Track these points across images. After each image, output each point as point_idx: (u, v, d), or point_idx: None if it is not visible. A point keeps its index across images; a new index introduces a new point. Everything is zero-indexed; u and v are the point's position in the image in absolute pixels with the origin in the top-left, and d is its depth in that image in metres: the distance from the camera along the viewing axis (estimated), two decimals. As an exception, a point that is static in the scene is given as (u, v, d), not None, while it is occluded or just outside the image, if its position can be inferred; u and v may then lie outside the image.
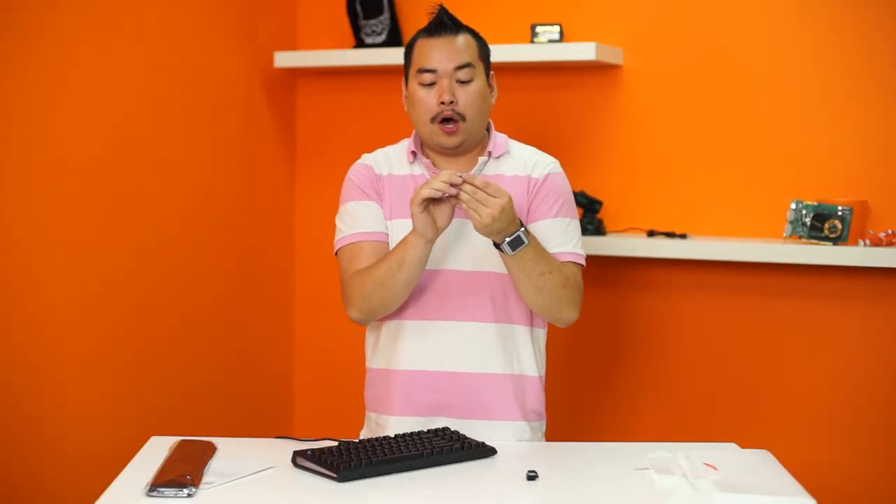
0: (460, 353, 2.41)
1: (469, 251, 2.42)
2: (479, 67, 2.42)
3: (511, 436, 2.42)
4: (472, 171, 2.42)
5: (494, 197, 2.20)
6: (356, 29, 3.54)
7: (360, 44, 3.54)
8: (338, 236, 2.47)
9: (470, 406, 2.41)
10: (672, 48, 3.27)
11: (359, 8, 3.51)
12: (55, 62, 2.85)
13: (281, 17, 3.70)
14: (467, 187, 2.21)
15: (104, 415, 3.01)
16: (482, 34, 2.48)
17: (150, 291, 3.16)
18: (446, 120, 2.38)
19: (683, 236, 3.20)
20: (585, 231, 3.25)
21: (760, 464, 2.13)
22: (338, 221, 2.49)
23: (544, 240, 2.38)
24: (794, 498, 1.93)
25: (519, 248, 2.26)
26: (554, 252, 2.38)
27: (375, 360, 2.50)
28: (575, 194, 3.26)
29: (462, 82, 2.38)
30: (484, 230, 2.23)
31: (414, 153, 2.46)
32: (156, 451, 2.19)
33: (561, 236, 2.42)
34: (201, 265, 3.37)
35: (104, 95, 3.00)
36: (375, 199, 2.46)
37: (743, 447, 2.27)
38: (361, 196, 2.46)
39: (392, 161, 2.49)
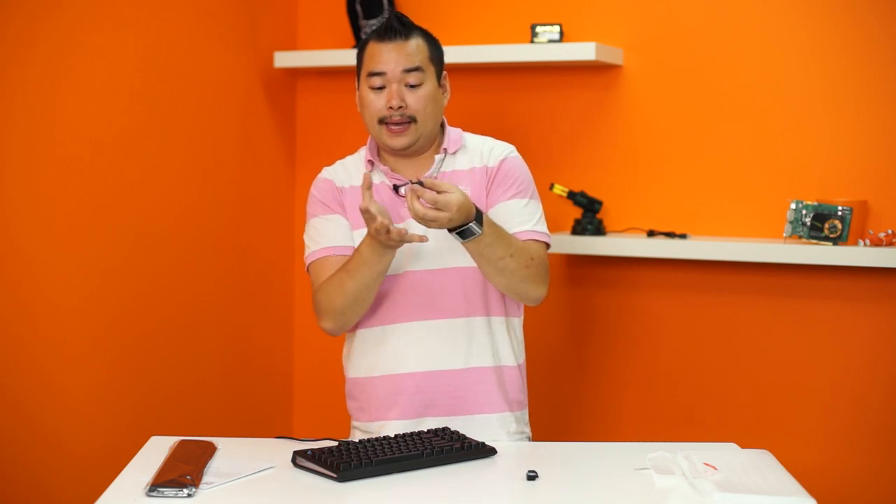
0: (439, 352, 2.41)
1: (434, 249, 2.41)
2: (430, 70, 2.41)
3: (499, 427, 2.43)
4: (430, 171, 2.42)
5: (448, 192, 2.18)
6: (356, 29, 3.54)
7: (360, 44, 3.54)
8: (306, 253, 2.48)
9: (454, 403, 2.42)
10: (672, 48, 3.27)
11: (359, 8, 3.51)
12: (55, 62, 2.84)
13: (281, 17, 3.70)
14: (426, 195, 2.17)
15: (104, 415, 3.01)
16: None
17: (149, 291, 3.16)
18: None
19: (683, 236, 3.20)
20: (585, 231, 3.25)
21: (760, 464, 2.13)
22: (305, 238, 2.49)
23: (504, 222, 2.36)
24: (794, 498, 1.93)
25: (470, 238, 2.25)
26: (514, 232, 2.37)
27: (354, 368, 2.49)
28: (575, 194, 3.28)
29: (411, 86, 2.38)
30: (448, 227, 2.22)
31: (371, 161, 2.47)
32: (156, 451, 2.19)
33: (519, 216, 2.41)
34: (201, 265, 3.37)
35: (103, 95, 3.00)
36: (339, 212, 2.46)
37: (743, 447, 2.27)
38: (325, 210, 2.46)
39: (351, 172, 2.49)
